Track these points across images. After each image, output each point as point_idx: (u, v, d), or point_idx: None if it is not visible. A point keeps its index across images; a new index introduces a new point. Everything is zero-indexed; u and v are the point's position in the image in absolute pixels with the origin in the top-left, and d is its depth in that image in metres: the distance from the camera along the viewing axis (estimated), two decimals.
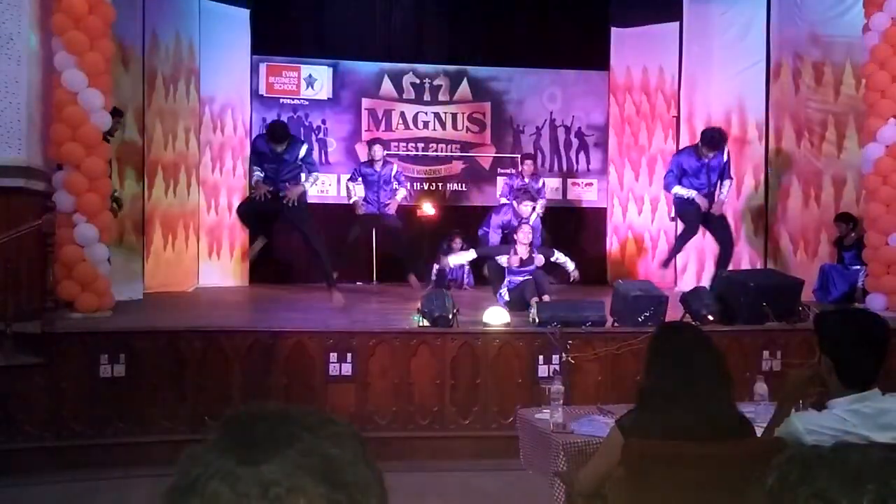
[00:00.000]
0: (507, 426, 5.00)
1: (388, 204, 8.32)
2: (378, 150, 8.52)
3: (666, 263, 8.02)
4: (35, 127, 5.87)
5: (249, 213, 7.30)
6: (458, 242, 9.00)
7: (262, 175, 6.98)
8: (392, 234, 8.54)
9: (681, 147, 8.66)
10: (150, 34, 7.73)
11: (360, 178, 8.45)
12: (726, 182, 7.28)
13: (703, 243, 7.82)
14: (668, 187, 7.36)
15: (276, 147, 6.93)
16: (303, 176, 6.99)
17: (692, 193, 7.14)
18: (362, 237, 8.76)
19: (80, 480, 4.72)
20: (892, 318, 4.87)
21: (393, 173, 8.41)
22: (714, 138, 7.12)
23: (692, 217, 7.34)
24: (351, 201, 8.50)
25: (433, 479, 4.87)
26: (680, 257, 8.54)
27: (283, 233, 7.92)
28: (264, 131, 7.49)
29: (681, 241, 7.61)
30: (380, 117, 10.13)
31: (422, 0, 10.14)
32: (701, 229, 7.57)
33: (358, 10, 9.95)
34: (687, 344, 2.51)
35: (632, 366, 5.14)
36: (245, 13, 9.29)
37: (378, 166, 8.42)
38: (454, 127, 10.23)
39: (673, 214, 8.10)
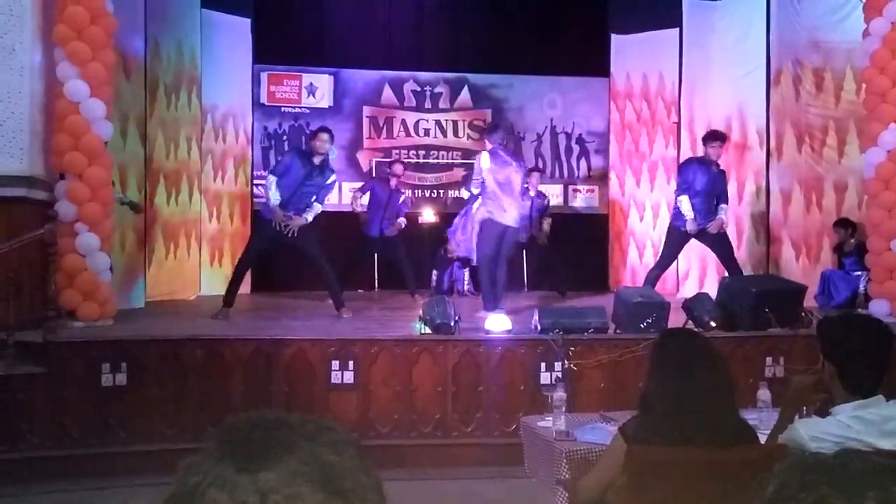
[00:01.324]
0: (510, 433, 4.99)
1: (388, 228, 8.39)
2: (399, 169, 8.68)
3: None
4: (37, 137, 5.89)
5: (258, 254, 6.84)
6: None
7: (279, 199, 6.49)
8: (394, 255, 8.59)
9: (682, 156, 8.66)
10: (151, 44, 7.76)
11: (367, 193, 8.55)
12: (722, 206, 6.98)
13: (705, 249, 7.80)
14: (678, 193, 7.05)
15: (316, 156, 6.56)
16: (317, 206, 6.63)
17: (690, 215, 6.88)
18: (367, 255, 8.83)
19: (81, 489, 4.71)
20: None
21: (401, 200, 8.55)
22: (715, 132, 7.22)
23: (675, 241, 7.10)
24: (354, 206, 8.59)
25: (435, 487, 4.85)
26: (682, 263, 8.53)
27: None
28: (311, 139, 6.90)
29: (656, 271, 7.18)
30: (381, 125, 10.15)
31: (422, 8, 10.18)
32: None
33: (358, 19, 9.99)
34: (689, 350, 2.50)
35: (634, 372, 5.13)
36: (246, 22, 9.33)
37: (393, 183, 8.55)
38: (455, 134, 10.25)
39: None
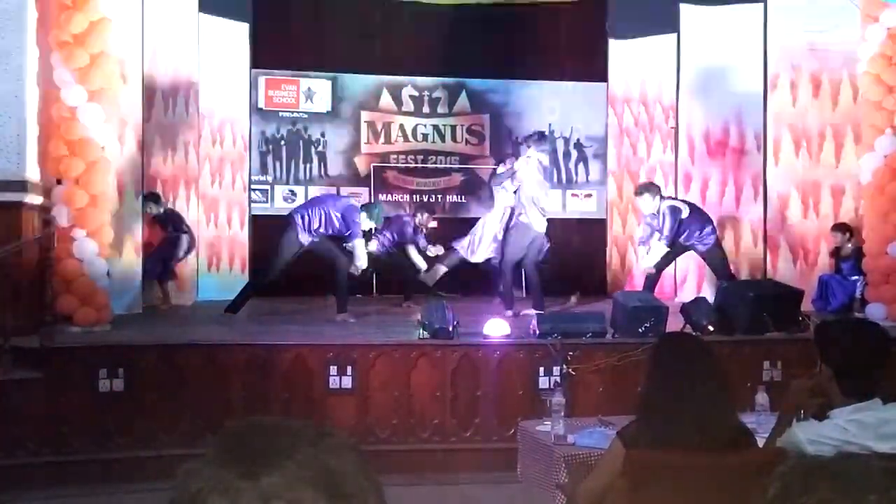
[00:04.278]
0: (508, 438, 4.98)
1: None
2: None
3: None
4: (34, 142, 5.89)
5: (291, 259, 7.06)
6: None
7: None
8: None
9: (679, 160, 8.68)
10: (149, 49, 7.76)
11: None
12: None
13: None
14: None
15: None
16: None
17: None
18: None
19: (78, 496, 4.70)
20: (893, 327, 4.87)
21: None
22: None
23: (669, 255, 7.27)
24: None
25: (434, 492, 4.85)
26: (680, 267, 8.54)
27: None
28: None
29: (655, 276, 7.29)
30: (379, 130, 10.16)
31: (420, 13, 10.18)
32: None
33: (357, 24, 9.99)
34: (687, 354, 2.51)
35: (633, 377, 5.12)
36: (244, 27, 9.33)
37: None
38: (453, 139, 10.26)
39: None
